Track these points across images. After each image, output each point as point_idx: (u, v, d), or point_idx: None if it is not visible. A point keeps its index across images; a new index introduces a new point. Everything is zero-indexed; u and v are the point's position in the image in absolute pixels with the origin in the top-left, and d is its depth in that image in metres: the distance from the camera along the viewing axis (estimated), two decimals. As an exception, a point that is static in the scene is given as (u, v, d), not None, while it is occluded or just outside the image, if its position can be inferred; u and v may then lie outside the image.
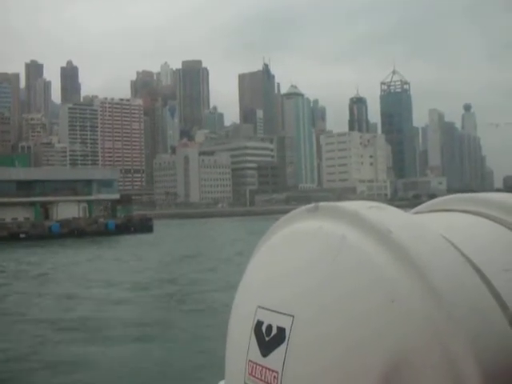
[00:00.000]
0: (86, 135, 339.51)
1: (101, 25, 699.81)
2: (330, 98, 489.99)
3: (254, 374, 1.25)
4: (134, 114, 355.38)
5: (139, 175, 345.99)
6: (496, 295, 1.10)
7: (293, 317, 1.19)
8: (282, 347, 1.19)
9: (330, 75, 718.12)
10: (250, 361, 1.27)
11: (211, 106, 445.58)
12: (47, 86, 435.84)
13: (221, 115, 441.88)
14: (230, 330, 1.43)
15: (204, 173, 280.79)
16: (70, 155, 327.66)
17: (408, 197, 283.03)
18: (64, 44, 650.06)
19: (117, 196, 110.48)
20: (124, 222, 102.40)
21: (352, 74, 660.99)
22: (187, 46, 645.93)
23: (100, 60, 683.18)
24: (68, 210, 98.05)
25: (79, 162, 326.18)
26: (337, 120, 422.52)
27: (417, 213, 1.49)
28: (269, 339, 1.23)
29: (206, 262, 48.08)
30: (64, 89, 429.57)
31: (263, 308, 1.27)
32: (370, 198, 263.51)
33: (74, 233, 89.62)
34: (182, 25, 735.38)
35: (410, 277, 1.09)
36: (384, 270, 1.12)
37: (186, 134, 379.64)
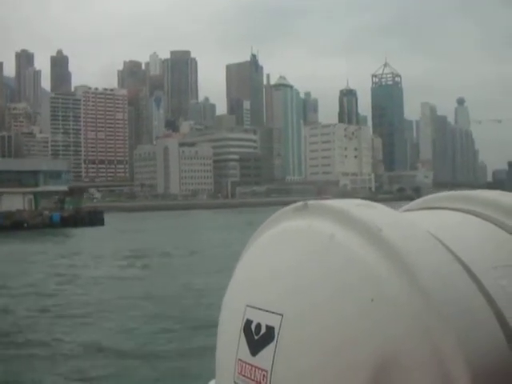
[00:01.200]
0: (69, 125, 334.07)
1: (92, 13, 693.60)
2: (323, 90, 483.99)
3: (243, 373, 1.25)
4: (118, 104, 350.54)
5: (122, 166, 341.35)
6: (485, 293, 1.10)
7: (282, 316, 1.19)
8: (271, 346, 1.19)
9: (324, 68, 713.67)
10: (239, 360, 1.26)
11: (202, 96, 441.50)
12: (37, 75, 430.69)
13: (213, 106, 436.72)
14: (220, 328, 1.42)
15: (184, 164, 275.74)
16: (52, 146, 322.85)
17: (393, 190, 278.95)
18: (54, 33, 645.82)
19: (65, 188, 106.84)
20: (72, 214, 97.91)
21: (346, 67, 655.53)
22: (178, 36, 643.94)
23: (92, 49, 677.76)
24: (12, 202, 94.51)
25: (61, 152, 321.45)
26: (329, 113, 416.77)
27: (406, 210, 1.49)
28: (258, 338, 1.22)
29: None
30: (54, 78, 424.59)
31: (252, 307, 1.27)
32: (353, 191, 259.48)
33: (16, 225, 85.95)
34: (174, 15, 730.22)
35: (399, 275, 1.09)
36: (373, 269, 1.12)
37: (172, 124, 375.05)
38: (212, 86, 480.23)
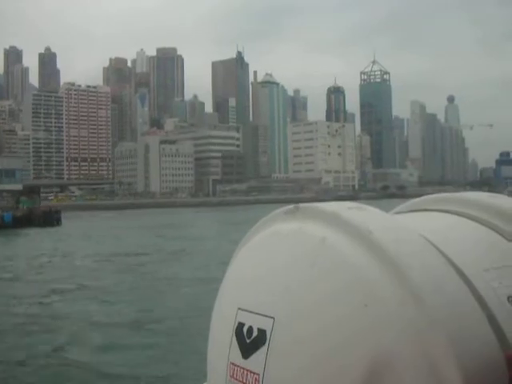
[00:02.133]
0: (51, 123, 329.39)
1: (81, 10, 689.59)
2: (312, 88, 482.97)
3: (235, 376, 1.25)
4: (102, 101, 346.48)
5: (105, 164, 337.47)
6: (477, 297, 1.10)
7: (273, 319, 1.18)
8: (263, 349, 1.18)
9: (314, 65, 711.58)
10: (231, 363, 1.26)
11: (191, 94, 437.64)
12: (25, 72, 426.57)
13: (202, 104, 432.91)
14: (212, 331, 1.40)
15: (165, 162, 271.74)
16: (34, 143, 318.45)
17: (376, 188, 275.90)
18: (43, 30, 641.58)
19: (19, 187, 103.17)
20: (25, 214, 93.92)
21: (336, 65, 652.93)
22: (166, 34, 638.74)
23: (81, 46, 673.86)
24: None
25: (43, 150, 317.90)
26: (319, 110, 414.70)
27: (397, 213, 1.49)
28: (250, 341, 1.22)
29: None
30: (42, 75, 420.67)
31: (244, 310, 1.26)
32: (336, 188, 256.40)
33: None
34: (162, 12, 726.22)
35: (391, 279, 1.08)
36: (364, 272, 1.11)
37: (157, 122, 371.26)
38: (199, 83, 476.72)
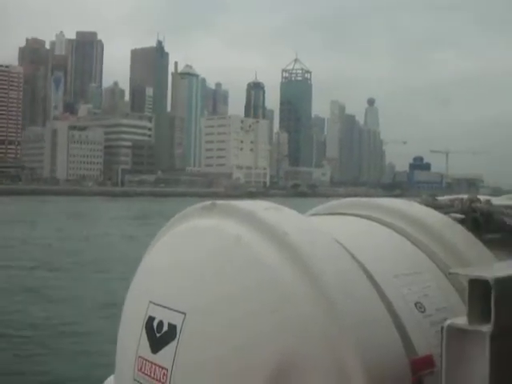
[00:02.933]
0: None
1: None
2: (235, 82, 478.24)
3: (143, 370, 1.25)
4: (13, 81, 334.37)
5: (13, 147, 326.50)
6: (386, 302, 1.14)
7: (184, 314, 1.19)
8: (173, 344, 1.19)
9: (239, 60, 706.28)
10: (139, 357, 1.25)
11: (111, 81, 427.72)
12: None
13: (122, 91, 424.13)
14: (122, 325, 1.40)
15: (73, 148, 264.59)
16: None
17: (287, 186, 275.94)
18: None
19: None
20: None
21: (261, 61, 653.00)
22: (87, 19, 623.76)
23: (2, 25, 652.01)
24: None
25: None
26: (240, 105, 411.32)
27: (314, 215, 1.54)
28: (160, 336, 1.22)
29: None
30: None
31: (155, 304, 1.26)
32: (247, 184, 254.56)
33: None
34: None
35: (303, 281, 1.10)
36: (278, 272, 1.13)
37: (71, 107, 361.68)
38: (120, 71, 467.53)
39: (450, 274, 1.26)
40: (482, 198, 1.83)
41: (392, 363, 1.08)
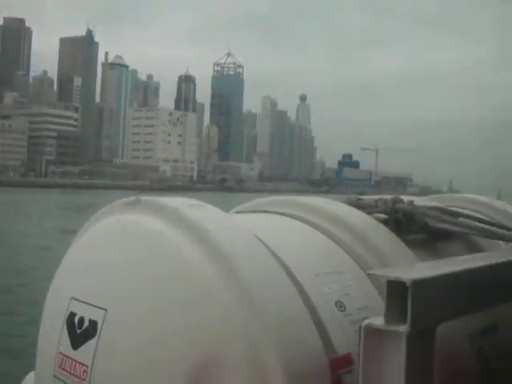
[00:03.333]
0: None
1: None
2: (167, 75, 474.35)
3: (63, 366, 1.23)
4: None
5: None
6: (306, 301, 1.16)
7: (106, 310, 1.19)
8: (93, 341, 1.19)
9: (171, 53, 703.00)
10: (60, 353, 1.25)
11: (41, 69, 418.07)
12: None
13: (51, 81, 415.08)
14: (43, 321, 1.38)
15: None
16: None
17: (215, 180, 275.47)
18: None
19: None
20: None
21: (193, 55, 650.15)
22: (17, 5, 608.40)
23: None
24: None
25: None
26: (171, 98, 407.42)
27: (239, 212, 1.56)
28: (80, 332, 1.22)
29: None
30: None
31: (77, 300, 1.25)
32: (174, 178, 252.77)
33: None
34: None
35: (223, 278, 1.12)
36: (198, 269, 1.15)
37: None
38: (50, 59, 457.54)
39: (369, 274, 1.29)
40: (405, 198, 1.86)
41: (311, 361, 1.09)
